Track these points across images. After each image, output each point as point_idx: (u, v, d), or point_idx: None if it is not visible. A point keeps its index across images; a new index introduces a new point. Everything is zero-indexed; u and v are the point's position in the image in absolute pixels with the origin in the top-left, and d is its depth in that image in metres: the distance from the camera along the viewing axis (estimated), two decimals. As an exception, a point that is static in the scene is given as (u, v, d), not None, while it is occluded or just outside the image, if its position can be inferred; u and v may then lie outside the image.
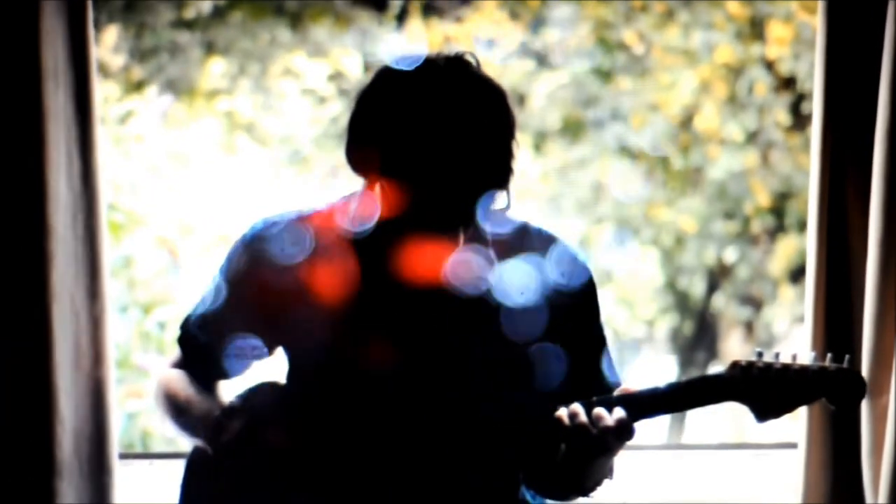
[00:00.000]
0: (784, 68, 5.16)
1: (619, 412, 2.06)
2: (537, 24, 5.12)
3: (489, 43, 4.99)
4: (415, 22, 4.99)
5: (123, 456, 3.28)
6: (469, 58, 2.09)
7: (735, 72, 5.20)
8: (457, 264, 2.13)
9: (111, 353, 3.10)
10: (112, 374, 3.11)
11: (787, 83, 5.20)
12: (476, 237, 2.14)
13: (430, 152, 2.02)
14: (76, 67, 3.03)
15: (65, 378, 3.02)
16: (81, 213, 3.06)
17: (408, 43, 4.94)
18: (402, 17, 5.00)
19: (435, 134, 2.02)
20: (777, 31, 5.09)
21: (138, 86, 4.96)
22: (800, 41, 5.07)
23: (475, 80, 2.07)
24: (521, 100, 5.16)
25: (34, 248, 2.99)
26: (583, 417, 2.06)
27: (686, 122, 5.23)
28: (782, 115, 5.20)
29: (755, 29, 5.16)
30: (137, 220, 4.64)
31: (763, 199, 5.28)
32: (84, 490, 3.05)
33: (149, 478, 3.30)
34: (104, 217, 3.08)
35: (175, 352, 2.32)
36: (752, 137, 5.24)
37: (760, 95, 5.18)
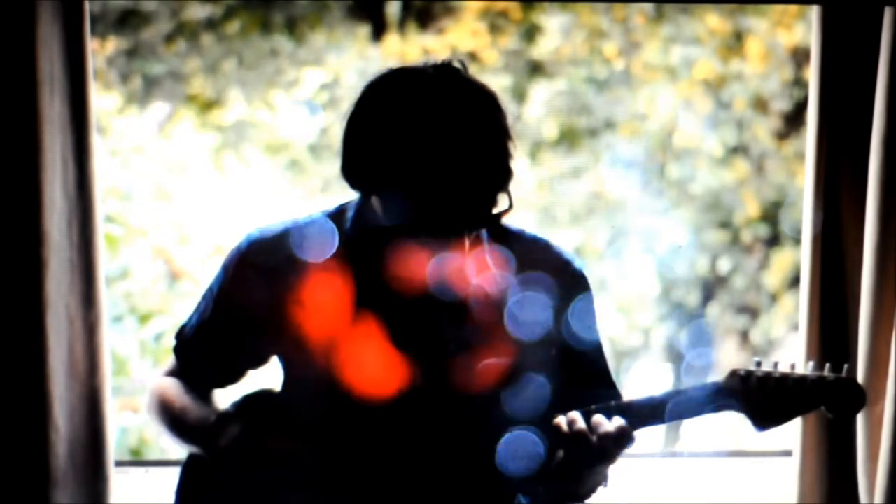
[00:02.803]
0: (759, 85, 5.17)
1: (618, 420, 2.07)
2: (531, 32, 5.12)
3: (469, 56, 4.98)
4: (391, 37, 4.98)
5: (119, 463, 3.28)
6: (457, 64, 2.09)
7: (715, 86, 5.21)
8: (454, 272, 2.13)
9: (107, 360, 3.10)
10: (108, 382, 3.11)
11: (770, 96, 5.21)
12: (474, 245, 2.15)
13: (426, 162, 2.02)
14: (72, 74, 3.03)
15: (59, 385, 3.02)
16: (77, 220, 3.06)
17: (384, 58, 4.94)
18: (378, 31, 5.00)
19: (430, 143, 2.02)
20: (754, 47, 5.10)
21: (135, 97, 4.96)
22: (772, 59, 5.08)
23: (465, 86, 2.07)
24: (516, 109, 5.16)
25: (29, 255, 2.99)
26: (581, 425, 2.06)
27: (669, 134, 5.24)
28: (761, 131, 5.21)
29: (737, 43, 5.16)
30: (134, 231, 4.63)
31: (753, 209, 5.28)
32: (79, 497, 3.05)
33: (144, 485, 3.30)
34: (100, 224, 3.08)
35: (170, 361, 2.32)
36: (734, 151, 5.26)
37: (740, 110, 5.19)
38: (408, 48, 4.97)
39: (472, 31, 5.05)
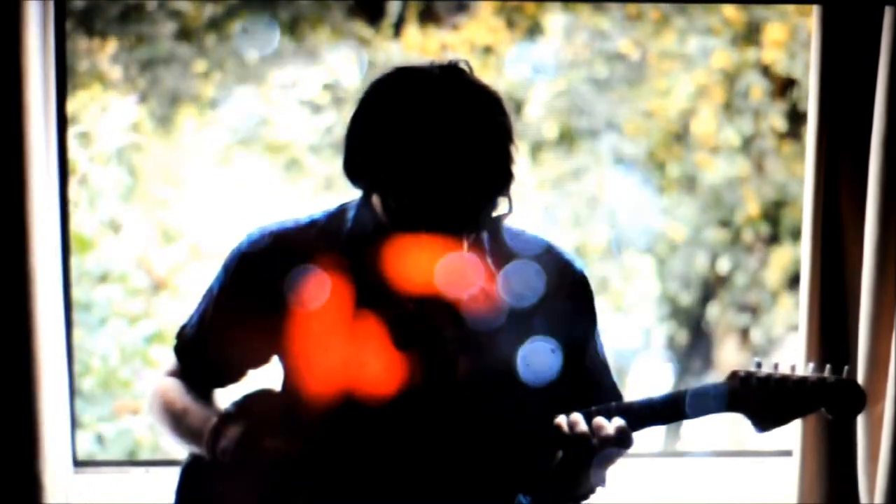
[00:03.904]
0: (781, 69, 5.17)
1: (618, 421, 2.07)
2: (533, 33, 5.13)
3: (486, 50, 5.00)
4: (411, 30, 4.99)
5: (119, 463, 3.31)
6: (463, 65, 2.09)
7: (731, 77, 5.21)
8: (455, 273, 2.13)
9: (74, 359, 3.17)
10: (73, 381, 3.19)
11: (785, 85, 5.20)
12: (474, 246, 2.15)
13: (428, 163, 2.02)
14: (58, 73, 3.07)
15: (46, 384, 3.05)
16: (57, 219, 3.10)
17: (404, 51, 4.94)
18: (399, 25, 5.01)
19: (433, 144, 2.02)
20: (773, 33, 5.10)
21: (135, 97, 4.96)
22: (796, 41, 5.09)
23: (470, 88, 2.07)
24: (518, 108, 5.17)
25: (18, 254, 3.01)
26: (583, 426, 2.06)
27: (683, 127, 5.23)
28: (778, 121, 5.21)
29: (751, 33, 5.16)
30: (125, 231, 4.64)
31: (754, 208, 5.29)
32: (48, 494, 3.09)
33: (143, 485, 3.30)
34: (71, 224, 3.13)
35: (171, 360, 2.32)
36: (748, 143, 5.26)
37: (756, 100, 5.19)
38: (404, 45, 4.98)
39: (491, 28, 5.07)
